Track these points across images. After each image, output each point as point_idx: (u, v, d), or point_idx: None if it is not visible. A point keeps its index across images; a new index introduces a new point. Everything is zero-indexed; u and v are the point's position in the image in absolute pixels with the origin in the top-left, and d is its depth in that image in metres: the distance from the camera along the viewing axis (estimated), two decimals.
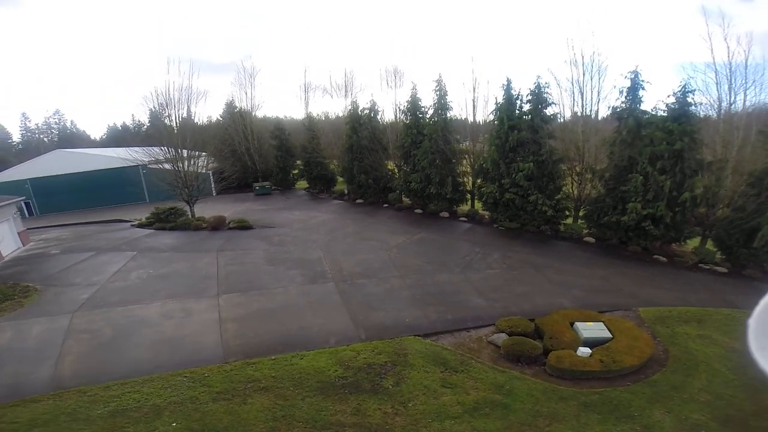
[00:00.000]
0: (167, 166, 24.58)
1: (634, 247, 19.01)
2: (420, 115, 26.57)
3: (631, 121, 18.75)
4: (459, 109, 26.36)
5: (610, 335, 11.67)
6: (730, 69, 17.75)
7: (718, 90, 18.48)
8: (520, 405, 9.48)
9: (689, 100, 17.37)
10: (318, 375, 10.53)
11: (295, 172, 36.66)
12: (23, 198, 26.44)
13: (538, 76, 21.07)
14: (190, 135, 25.42)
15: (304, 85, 34.86)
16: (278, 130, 35.61)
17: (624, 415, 9.09)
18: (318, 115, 35.96)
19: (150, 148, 25.66)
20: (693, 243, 19.12)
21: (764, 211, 15.73)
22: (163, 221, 24.75)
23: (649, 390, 9.90)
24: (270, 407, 9.41)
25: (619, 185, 18.87)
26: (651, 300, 14.27)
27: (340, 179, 33.54)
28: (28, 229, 25.17)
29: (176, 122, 24.95)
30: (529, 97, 21.44)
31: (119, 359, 11.20)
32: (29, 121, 63.41)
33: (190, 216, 24.92)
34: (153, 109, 25.71)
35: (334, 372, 10.63)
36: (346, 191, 32.27)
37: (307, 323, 12.88)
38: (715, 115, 19.00)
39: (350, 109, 30.40)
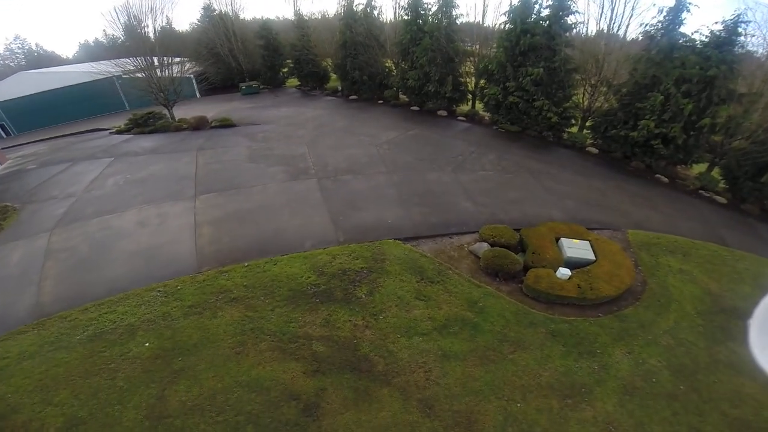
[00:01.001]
0: (138, 74, 21.81)
1: (638, 163, 17.34)
2: (422, 12, 22.46)
3: (665, 41, 15.90)
4: (467, 13, 21.93)
5: (594, 257, 10.52)
6: None
7: None
8: (489, 326, 8.78)
9: (739, 30, 14.35)
10: (290, 282, 9.71)
11: (285, 70, 33.07)
12: None
13: None
14: (159, 42, 22.17)
15: None
16: (264, 29, 31.16)
17: (587, 350, 8.46)
18: (311, 14, 31.18)
19: (118, 60, 22.43)
20: (698, 168, 17.39)
21: None
22: (142, 125, 22.71)
23: (617, 325, 9.13)
24: (239, 320, 8.77)
25: (635, 101, 16.69)
26: (643, 222, 12.98)
27: (334, 77, 30.26)
28: (3, 148, 23.46)
29: (145, 32, 21.62)
30: (550, 2, 17.80)
31: (97, 278, 10.32)
32: None
33: (169, 118, 22.72)
34: (125, 23, 21.85)
35: (307, 279, 9.80)
36: (339, 88, 29.26)
37: (284, 224, 11.79)
38: (765, 51, 15.96)
39: (345, 4, 25.87)
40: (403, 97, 25.83)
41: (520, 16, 18.43)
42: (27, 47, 59.86)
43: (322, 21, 30.98)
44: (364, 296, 9.33)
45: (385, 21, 26.64)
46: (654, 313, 9.54)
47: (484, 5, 22.05)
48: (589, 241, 11.05)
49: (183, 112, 24.87)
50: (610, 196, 14.50)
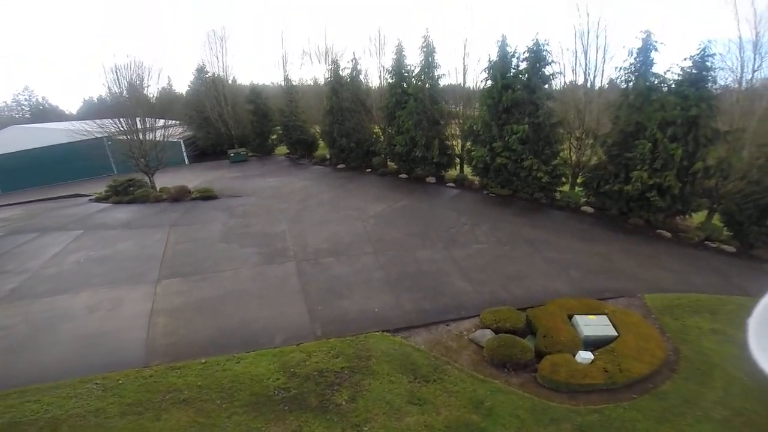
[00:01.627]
0: (121, 137, 21.21)
1: (636, 220, 16.39)
2: (405, 74, 22.79)
3: (641, 83, 15.74)
4: (448, 73, 22.30)
5: (615, 333, 9.15)
6: (757, 34, 14.30)
7: (741, 55, 15.03)
8: (501, 430, 6.99)
9: (708, 64, 14.37)
10: (254, 385, 7.99)
11: (274, 137, 33.02)
12: None
13: (537, 33, 18.01)
14: (159, 103, 22.08)
15: (282, 48, 30.61)
16: (254, 94, 31.61)
17: None
18: (300, 80, 31.78)
19: (102, 120, 22.03)
20: (698, 218, 16.60)
21: None
22: (121, 194, 21.59)
23: (657, 405, 7.51)
24: (187, 425, 7.13)
25: (624, 152, 16.10)
26: (657, 284, 11.73)
27: (323, 144, 30.07)
28: None
29: (147, 91, 21.61)
30: (526, 55, 18.04)
31: (29, 362, 8.95)
32: None
33: (149, 187, 21.66)
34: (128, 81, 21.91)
35: (274, 381, 8.05)
36: (327, 156, 28.87)
37: (253, 315, 10.12)
38: (735, 83, 15.74)
39: (331, 69, 26.41)
40: (391, 164, 25.34)
41: (499, 71, 18.38)
42: (34, 100, 60.62)
43: (312, 87, 31.41)
44: (344, 403, 7.56)
45: (371, 86, 26.86)
46: (697, 383, 8.01)
47: (464, 64, 22.05)
48: (606, 314, 9.72)
49: (168, 179, 23.94)
50: (615, 261, 13.30)
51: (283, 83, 30.82)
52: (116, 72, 21.10)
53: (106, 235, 16.43)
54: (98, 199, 22.38)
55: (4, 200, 27.40)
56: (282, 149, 33.30)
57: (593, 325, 9.36)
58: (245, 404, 7.58)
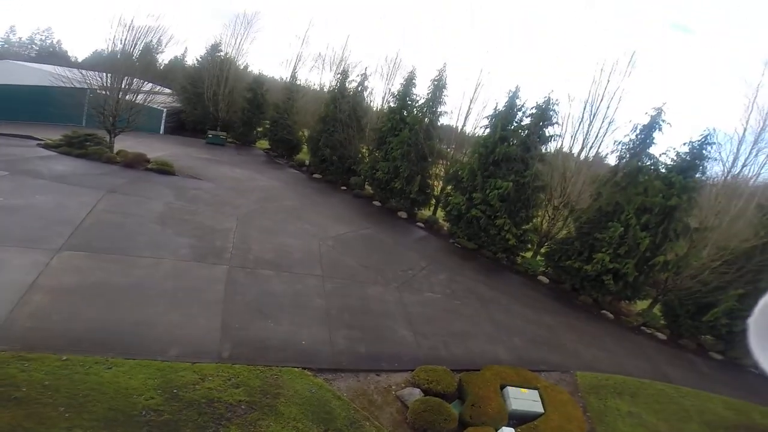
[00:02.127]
0: (102, 92, 19.27)
1: (585, 298, 16.51)
2: (409, 103, 22.18)
3: (633, 162, 15.80)
4: (451, 112, 21.88)
5: (542, 410, 9.01)
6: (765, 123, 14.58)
7: (738, 147, 15.49)
8: None
9: (704, 153, 14.62)
10: (118, 398, 6.37)
11: (260, 129, 31.51)
12: None
13: (552, 91, 17.63)
14: (148, 67, 20.52)
15: (300, 47, 29.58)
16: (256, 83, 30.27)
17: None
18: (305, 81, 30.77)
19: (88, 72, 20.04)
20: (641, 304, 17.24)
21: (728, 289, 14.22)
22: (73, 146, 19.32)
23: None
24: (8, 428, 5.47)
25: (594, 231, 16.04)
26: (591, 363, 11.91)
27: (306, 149, 28.78)
28: None
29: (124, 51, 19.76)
30: (533, 111, 17.87)
31: None
32: (14, 33, 54.53)
33: (106, 146, 19.55)
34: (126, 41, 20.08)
35: (147, 399, 6.47)
36: (307, 162, 27.56)
37: (154, 317, 8.42)
38: (721, 177, 16.16)
39: (338, 78, 25.62)
40: (368, 188, 24.31)
41: (501, 122, 18.01)
42: (48, 41, 56.82)
43: (315, 91, 30.28)
44: None
45: (373, 105, 26.13)
46: None
47: (469, 107, 21.59)
48: (538, 389, 9.49)
49: (132, 144, 21.85)
50: (559, 334, 13.06)
51: (288, 79, 29.71)
52: (132, 30, 19.26)
53: (30, 184, 14.21)
54: (47, 146, 19.91)
55: None
56: (263, 143, 31.76)
57: (522, 399, 9.04)
58: (96, 418, 5.96)
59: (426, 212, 22.35)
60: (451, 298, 13.29)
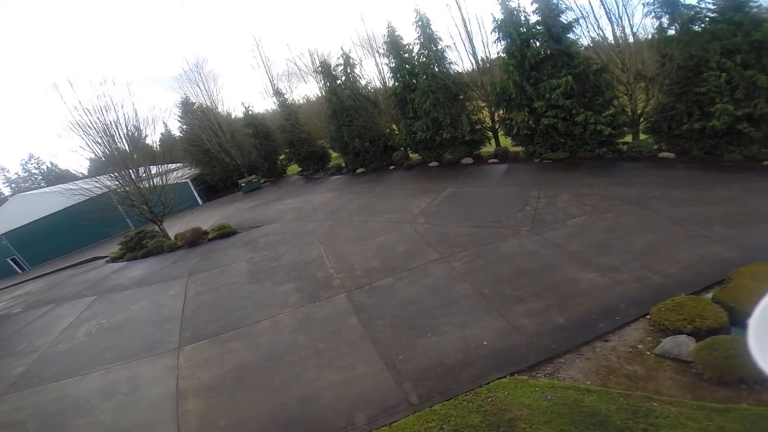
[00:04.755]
0: (120, 188, 18.43)
1: (731, 156, 12.86)
2: (405, 55, 19.42)
3: (683, 13, 12.85)
4: (453, 44, 19.15)
5: None
6: None
7: None
8: None
9: None
10: None
11: (282, 157, 30.00)
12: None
13: None
14: (146, 153, 19.48)
15: (267, 72, 27.52)
16: (249, 116, 28.65)
17: None
18: (292, 99, 28.76)
19: (99, 177, 19.22)
20: None
21: None
22: (134, 249, 18.84)
23: None
24: None
25: (690, 87, 12.99)
26: None
27: (335, 154, 26.92)
28: (7, 287, 20.09)
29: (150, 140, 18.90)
30: (535, 6, 15.00)
31: None
32: (7, 171, 57.19)
33: (161, 236, 18.80)
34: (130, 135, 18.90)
35: None
36: (343, 164, 25.66)
37: (312, 385, 6.76)
38: None
39: (321, 70, 23.27)
40: (414, 155, 21.96)
41: (513, 28, 15.28)
42: (44, 167, 59.20)
43: (307, 103, 28.50)
44: None
45: (369, 77, 24.20)
46: None
47: (467, 29, 18.58)
48: None
49: (183, 224, 21.22)
50: (751, 203, 9.55)
51: (275, 102, 27.84)
52: (109, 128, 18.01)
53: (119, 298, 13.55)
54: (113, 259, 19.75)
55: (30, 275, 25.37)
56: (294, 168, 30.30)
57: None
58: None
59: (489, 148, 19.63)
60: (598, 214, 10.56)
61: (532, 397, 5.35)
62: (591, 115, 14.73)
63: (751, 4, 11.89)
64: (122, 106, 17.95)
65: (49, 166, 58.37)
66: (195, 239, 17.65)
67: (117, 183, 17.93)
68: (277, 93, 27.38)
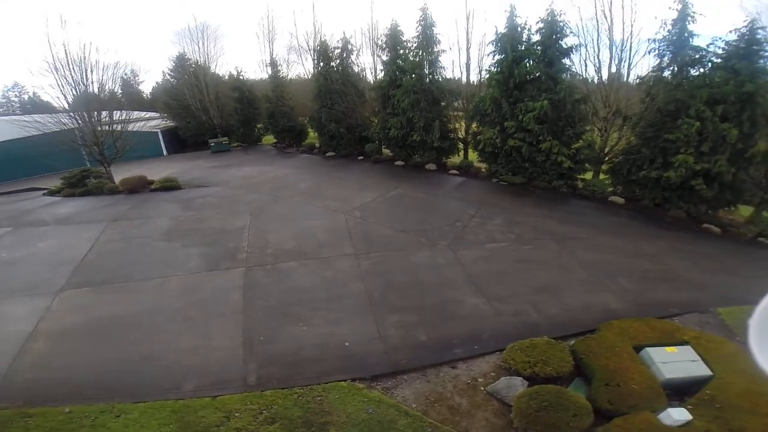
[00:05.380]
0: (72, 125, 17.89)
1: (676, 212, 13.43)
2: (401, 51, 19.33)
3: (683, 56, 13.07)
4: (450, 48, 18.97)
5: (709, 371, 5.99)
6: None
7: None
8: None
9: (759, 38, 11.88)
10: None
11: (261, 126, 29.62)
12: None
13: (552, 2, 14.75)
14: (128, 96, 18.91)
15: (269, 45, 27.06)
16: (238, 80, 28.17)
17: None
18: (288, 75, 28.41)
19: (57, 114, 18.62)
20: (743, 210, 13.97)
21: None
22: (74, 186, 18.38)
23: None
24: None
25: (661, 133, 13.24)
26: (727, 294, 8.53)
27: (314, 134, 26.70)
28: None
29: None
30: (540, 26, 15.05)
31: None
32: None
33: (105, 178, 18.40)
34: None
35: None
36: (317, 144, 25.51)
37: (164, 346, 6.77)
38: None
39: (318, 50, 23.04)
40: (386, 151, 21.96)
41: (510, 43, 15.28)
42: (25, 96, 57.16)
43: (300, 79, 28.16)
44: None
45: (363, 65, 23.78)
46: None
47: (467, 38, 18.66)
48: (688, 343, 6.53)
49: (137, 171, 20.74)
50: (668, 263, 10.12)
51: (269, 72, 27.44)
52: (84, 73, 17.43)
53: (32, 233, 13.14)
54: (51, 193, 19.14)
55: None
56: (269, 138, 29.95)
57: (673, 361, 6.10)
58: None
59: (456, 158, 19.73)
60: (518, 243, 10.83)
61: (357, 407, 5.43)
62: (556, 145, 14.95)
63: (763, 53, 11.93)
64: (103, 53, 17.53)
65: (31, 96, 56.54)
66: (136, 187, 17.32)
67: (75, 122, 17.43)
68: (273, 64, 27.05)
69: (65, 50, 16.24)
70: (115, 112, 18.55)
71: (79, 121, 17.36)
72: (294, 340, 6.81)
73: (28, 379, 6.27)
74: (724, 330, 7.38)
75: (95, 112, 17.44)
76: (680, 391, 5.90)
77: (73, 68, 16.63)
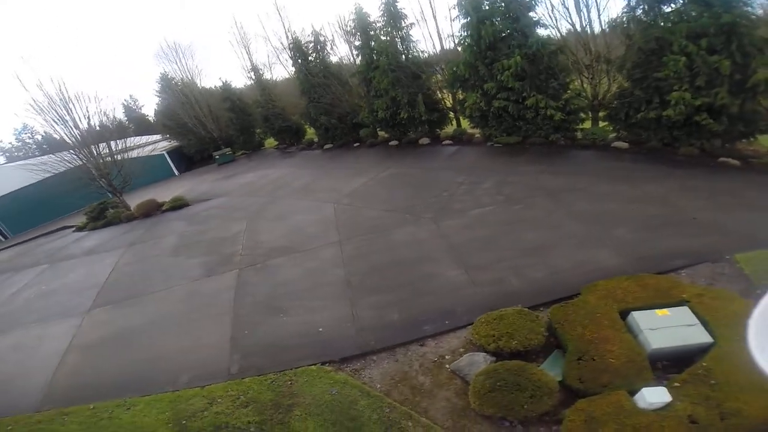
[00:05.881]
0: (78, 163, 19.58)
1: (688, 149, 12.41)
2: (372, 33, 19.48)
3: None
4: (417, 22, 18.92)
5: (709, 338, 5.25)
6: None
7: None
8: None
9: None
10: None
11: (259, 131, 30.85)
12: None
13: None
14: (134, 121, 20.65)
15: (246, 52, 27.87)
16: (226, 91, 29.40)
17: None
18: (272, 77, 29.30)
19: (61, 153, 20.42)
20: (765, 140, 12.46)
21: None
22: (96, 219, 20.45)
23: None
24: None
25: (650, 72, 12.49)
26: (749, 234, 7.42)
27: (312, 130, 27.54)
28: None
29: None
30: None
31: None
32: (1, 141, 60.29)
33: (120, 207, 20.26)
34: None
35: None
36: (315, 139, 26.36)
37: (166, 347, 7.99)
38: None
39: (292, 46, 23.63)
40: (382, 133, 22.36)
41: (471, 5, 15.12)
42: (37, 137, 61.22)
43: (283, 81, 28.93)
44: None
45: (340, 56, 24.27)
46: None
47: (431, 6, 18.67)
48: (687, 303, 5.79)
49: (153, 194, 22.60)
50: (678, 204, 9.17)
51: (252, 78, 28.36)
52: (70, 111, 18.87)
53: (65, 266, 15.09)
54: (78, 228, 21.41)
55: (8, 243, 27.60)
56: (271, 141, 31.14)
57: (666, 328, 5.42)
58: None
59: (450, 128, 19.84)
60: (507, 205, 10.84)
61: (322, 389, 6.17)
62: (542, 99, 14.71)
63: None
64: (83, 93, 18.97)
65: (43, 135, 60.95)
66: (150, 211, 18.99)
67: (77, 158, 19.21)
68: (255, 69, 27.96)
69: (42, 89, 17.63)
70: (111, 141, 20.04)
71: (81, 157, 19.09)
72: (274, 330, 7.71)
73: (66, 385, 7.69)
74: (742, 281, 6.45)
75: (93, 146, 19.03)
76: (671, 361, 5.36)
77: (57, 106, 18.12)
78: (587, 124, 15.82)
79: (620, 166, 12.55)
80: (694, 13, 11.54)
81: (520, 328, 5.98)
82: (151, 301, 10.06)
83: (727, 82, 11.23)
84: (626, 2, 13.08)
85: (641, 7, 12.77)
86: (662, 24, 12.33)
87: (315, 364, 6.66)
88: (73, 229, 22.07)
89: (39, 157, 21.91)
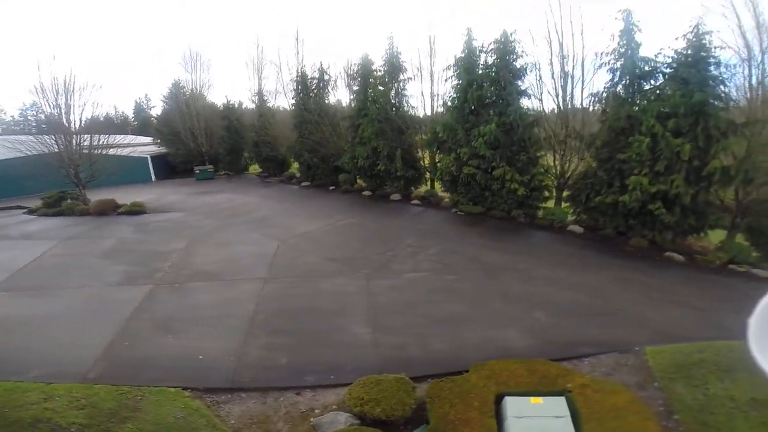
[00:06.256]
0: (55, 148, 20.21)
1: (638, 240, 13.03)
2: (372, 80, 20.97)
3: (629, 66, 13.16)
4: (413, 77, 20.30)
5: (571, 429, 5.25)
6: None
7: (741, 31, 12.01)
8: None
9: (705, 43, 11.85)
10: None
11: (247, 155, 31.84)
12: None
13: (505, 27, 15.87)
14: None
15: (257, 76, 29.83)
16: (228, 110, 30.83)
17: None
18: (276, 105, 31.07)
19: (40, 135, 21.19)
20: (715, 236, 13.15)
21: None
22: (50, 207, 20.45)
23: None
24: None
25: (615, 153, 13.13)
26: (668, 329, 7.94)
27: (296, 164, 28.49)
28: None
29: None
30: (493, 47, 15.86)
31: None
32: (4, 113, 61.26)
33: (79, 200, 20.35)
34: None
35: None
36: (297, 174, 27.15)
37: (39, 340, 7.84)
38: (740, 64, 12.59)
39: (298, 80, 25.27)
40: (360, 182, 23.14)
41: (464, 68, 16.34)
42: (39, 116, 62.24)
43: (284, 111, 30.43)
44: None
45: (339, 98, 26.26)
46: None
47: (431, 63, 19.92)
48: (568, 392, 5.89)
49: (120, 196, 22.71)
50: (610, 296, 9.66)
51: (256, 102, 29.88)
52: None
53: None
54: (30, 211, 21.26)
55: None
56: (255, 168, 31.99)
57: (533, 417, 5.43)
58: None
59: (423, 189, 20.63)
60: (442, 273, 11.16)
61: (170, 411, 6.00)
62: (509, 171, 15.28)
63: (711, 60, 11.83)
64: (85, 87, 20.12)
65: (47, 115, 62.17)
66: (105, 210, 19.08)
67: (55, 144, 19.73)
68: (260, 94, 29.53)
69: (52, 77, 19.02)
70: (95, 136, 20.63)
71: (59, 144, 19.56)
72: (154, 348, 7.59)
73: None
74: (642, 373, 6.74)
75: (74, 136, 19.60)
76: None
77: (57, 93, 19.20)
78: (551, 203, 16.33)
79: (567, 251, 13.05)
80: (669, 91, 12.15)
81: (389, 397, 5.92)
82: (55, 296, 9.90)
83: (685, 169, 11.67)
84: (609, 78, 13.93)
85: (623, 82, 13.54)
86: (638, 101, 13.13)
87: (175, 388, 6.50)
88: (25, 211, 21.90)
89: (17, 135, 22.35)
